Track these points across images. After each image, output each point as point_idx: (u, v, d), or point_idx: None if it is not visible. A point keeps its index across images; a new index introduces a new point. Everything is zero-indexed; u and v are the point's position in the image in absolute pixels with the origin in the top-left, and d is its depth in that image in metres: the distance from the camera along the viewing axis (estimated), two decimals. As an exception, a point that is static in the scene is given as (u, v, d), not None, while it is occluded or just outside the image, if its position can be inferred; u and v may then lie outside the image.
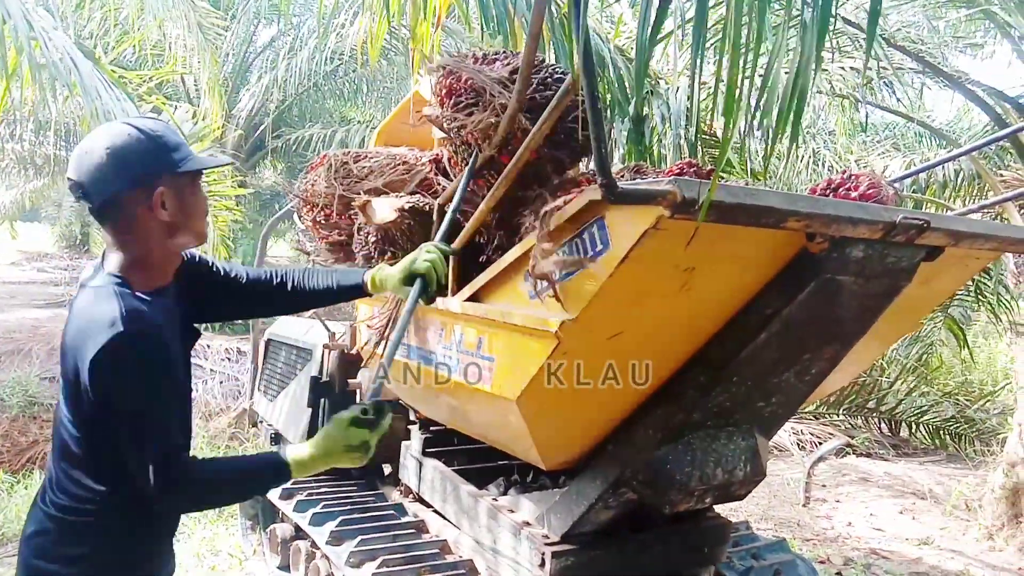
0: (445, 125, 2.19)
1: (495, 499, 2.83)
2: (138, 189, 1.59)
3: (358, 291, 2.17)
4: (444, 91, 2.24)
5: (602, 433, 2.39)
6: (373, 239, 2.56)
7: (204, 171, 1.73)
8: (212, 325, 12.08)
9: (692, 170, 2.44)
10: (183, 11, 7.86)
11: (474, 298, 2.28)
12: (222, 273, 1.97)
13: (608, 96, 4.06)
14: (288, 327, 4.47)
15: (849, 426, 8.01)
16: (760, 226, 1.73)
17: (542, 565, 2.48)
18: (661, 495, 2.34)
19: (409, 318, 1.96)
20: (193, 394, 8.93)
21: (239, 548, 4.03)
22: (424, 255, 2.07)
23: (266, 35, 12.84)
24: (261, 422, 4.76)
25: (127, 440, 1.54)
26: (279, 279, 2.06)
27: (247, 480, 1.73)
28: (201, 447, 6.22)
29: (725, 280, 1.97)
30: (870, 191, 2.16)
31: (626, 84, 4.00)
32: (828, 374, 2.39)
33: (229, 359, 9.97)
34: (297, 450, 1.67)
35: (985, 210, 6.53)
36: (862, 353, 2.70)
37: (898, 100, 6.74)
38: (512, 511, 2.72)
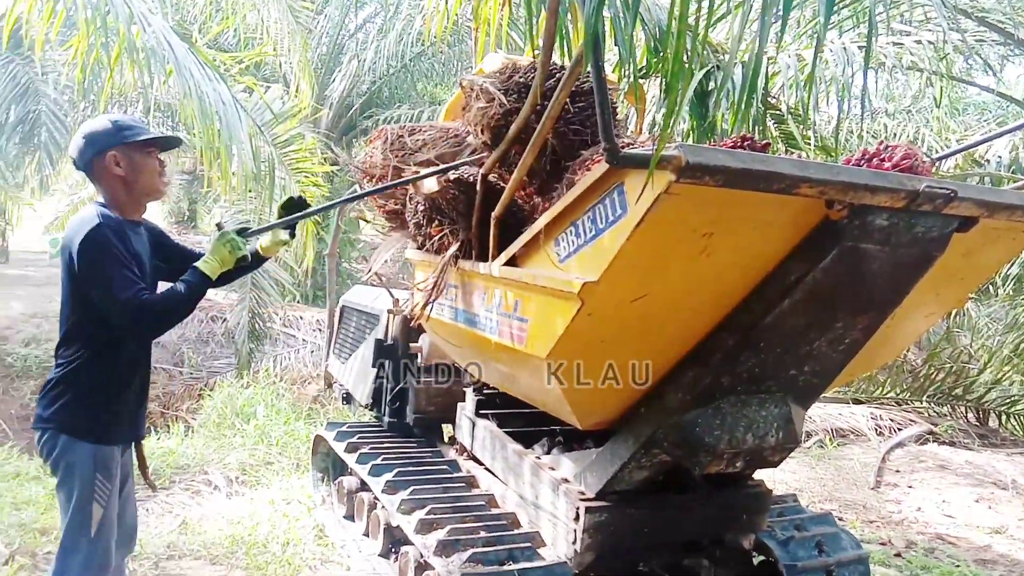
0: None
1: (538, 457, 2.97)
2: (99, 154, 2.38)
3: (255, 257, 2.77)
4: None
5: (636, 394, 2.48)
6: (422, 208, 2.72)
7: (156, 141, 2.46)
8: (306, 296, 12.66)
9: (746, 144, 2.46)
10: (276, -4, 8.23)
11: (512, 263, 2.41)
12: (171, 245, 2.73)
13: (669, 71, 4.08)
14: (360, 295, 4.70)
15: (933, 414, 7.73)
16: (772, 192, 1.79)
17: (576, 519, 2.60)
18: (690, 457, 2.43)
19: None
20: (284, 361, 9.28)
21: (309, 497, 4.32)
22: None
23: (360, 18, 13.20)
24: (335, 382, 5.04)
25: (105, 295, 2.24)
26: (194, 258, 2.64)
27: (184, 294, 2.36)
28: (285, 410, 6.56)
29: (747, 246, 2.03)
30: (903, 161, 2.16)
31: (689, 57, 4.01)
32: (863, 344, 2.40)
33: (320, 330, 10.31)
34: (201, 263, 2.43)
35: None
36: (906, 326, 2.69)
37: (997, 78, 6.45)
38: (553, 468, 2.85)
